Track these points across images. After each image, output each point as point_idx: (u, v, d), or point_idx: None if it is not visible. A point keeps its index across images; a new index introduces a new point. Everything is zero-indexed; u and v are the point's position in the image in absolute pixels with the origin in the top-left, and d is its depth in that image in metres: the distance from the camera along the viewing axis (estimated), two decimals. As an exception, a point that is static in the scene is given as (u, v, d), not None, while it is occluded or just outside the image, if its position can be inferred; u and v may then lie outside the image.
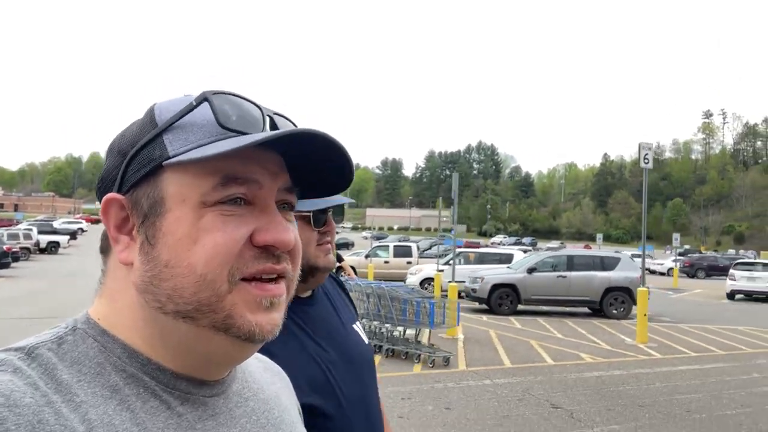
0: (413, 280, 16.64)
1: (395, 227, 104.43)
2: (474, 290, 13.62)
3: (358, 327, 1.27)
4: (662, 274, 34.03)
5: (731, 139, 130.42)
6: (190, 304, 0.49)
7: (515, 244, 63.01)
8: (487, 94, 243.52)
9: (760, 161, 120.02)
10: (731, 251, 62.42)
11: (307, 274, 1.10)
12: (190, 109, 0.51)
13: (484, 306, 13.49)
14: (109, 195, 0.52)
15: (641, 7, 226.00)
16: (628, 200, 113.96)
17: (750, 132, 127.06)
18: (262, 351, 0.60)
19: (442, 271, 13.95)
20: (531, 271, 13.52)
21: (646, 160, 10.09)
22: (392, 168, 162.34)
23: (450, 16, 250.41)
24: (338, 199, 1.15)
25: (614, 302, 13.25)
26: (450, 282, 10.82)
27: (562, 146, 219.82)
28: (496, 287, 13.32)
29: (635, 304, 13.33)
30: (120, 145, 0.54)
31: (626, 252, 35.79)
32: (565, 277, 13.39)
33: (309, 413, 0.93)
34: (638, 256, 38.02)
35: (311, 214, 1.11)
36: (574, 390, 6.60)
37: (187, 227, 0.49)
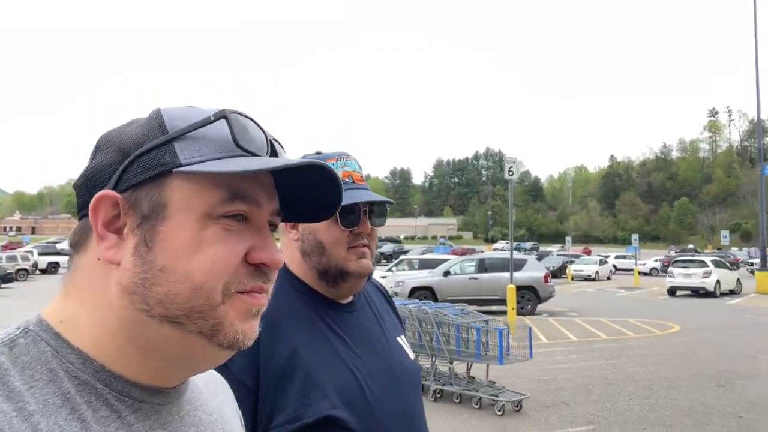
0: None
1: (402, 236, 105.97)
2: (396, 293, 15.07)
3: (402, 341, 1.19)
4: (645, 273, 35.06)
5: (738, 137, 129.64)
6: (181, 311, 0.50)
7: (516, 249, 63.88)
8: (493, 101, 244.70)
9: (767, 157, 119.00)
10: (734, 249, 62.47)
11: (337, 278, 1.05)
12: (207, 122, 0.53)
13: (406, 307, 14.93)
14: (104, 191, 0.51)
15: (647, 7, 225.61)
16: (635, 201, 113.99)
17: (756, 128, 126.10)
18: (288, 353, 0.72)
19: (384, 277, 15.44)
20: (446, 274, 14.95)
21: (511, 173, 11.47)
22: (401, 177, 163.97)
23: (456, 23, 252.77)
24: (370, 195, 1.07)
25: (521, 300, 14.58)
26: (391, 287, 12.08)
27: (572, 149, 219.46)
28: (415, 290, 14.76)
29: (540, 301, 14.82)
30: (120, 143, 0.53)
31: (590, 257, 36.56)
32: (476, 278, 14.78)
33: (336, 425, 0.92)
34: (624, 257, 38.73)
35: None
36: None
37: (188, 235, 0.50)
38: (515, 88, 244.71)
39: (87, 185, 0.54)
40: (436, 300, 14.58)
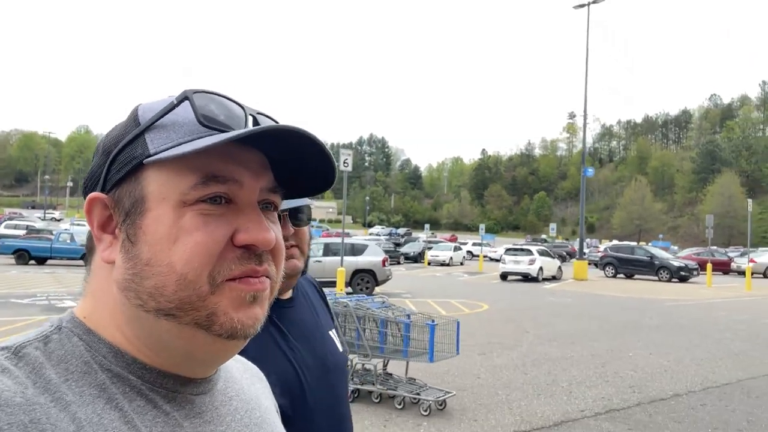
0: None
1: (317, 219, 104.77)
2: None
3: (334, 334, 1.26)
4: (496, 260, 38.51)
5: (590, 139, 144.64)
6: (172, 302, 0.49)
7: (389, 234, 66.39)
8: (377, 88, 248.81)
9: (612, 159, 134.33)
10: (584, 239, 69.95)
11: None
12: (171, 108, 0.52)
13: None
14: (92, 194, 0.52)
15: (520, 15, 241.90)
16: (501, 193, 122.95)
17: (606, 132, 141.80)
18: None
19: None
20: (292, 257, 15.82)
21: (346, 164, 12.51)
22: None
23: (340, 11, 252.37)
24: (289, 202, 1.09)
25: (360, 282, 15.88)
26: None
27: (450, 141, 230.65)
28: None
29: (378, 283, 16.22)
30: (105, 144, 0.54)
31: (446, 242, 39.17)
32: (321, 261, 15.80)
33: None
34: (479, 245, 41.94)
35: None
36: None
37: (167, 226, 0.49)
38: (399, 77, 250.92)
39: (85, 191, 0.55)
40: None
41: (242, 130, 0.50)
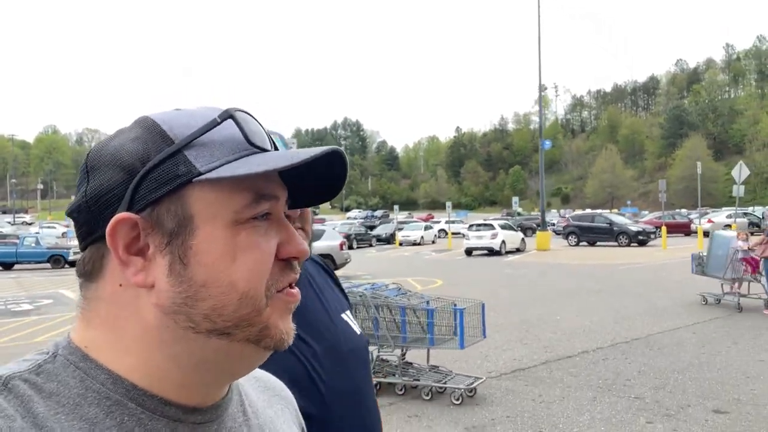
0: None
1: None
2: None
3: (348, 317, 1.20)
4: (463, 235, 38.85)
5: (562, 111, 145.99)
6: (231, 321, 0.49)
7: (365, 217, 66.76)
8: (349, 71, 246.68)
9: (584, 129, 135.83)
10: (554, 211, 71.19)
11: None
12: (214, 125, 0.51)
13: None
14: (122, 214, 0.48)
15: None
16: (477, 169, 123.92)
17: (577, 103, 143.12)
18: None
19: None
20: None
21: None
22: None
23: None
24: None
25: (319, 267, 16.29)
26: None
27: (425, 121, 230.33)
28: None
29: (337, 267, 16.60)
30: (119, 160, 0.50)
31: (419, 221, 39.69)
32: (279, 249, 16.16)
33: None
34: (454, 222, 42.34)
35: None
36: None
37: (222, 245, 0.49)
38: (374, 59, 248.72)
39: (90, 210, 0.51)
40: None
41: (312, 153, 0.49)
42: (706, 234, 25.98)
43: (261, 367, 0.60)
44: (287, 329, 0.53)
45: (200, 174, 0.49)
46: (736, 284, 9.61)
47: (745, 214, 31.98)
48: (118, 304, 0.51)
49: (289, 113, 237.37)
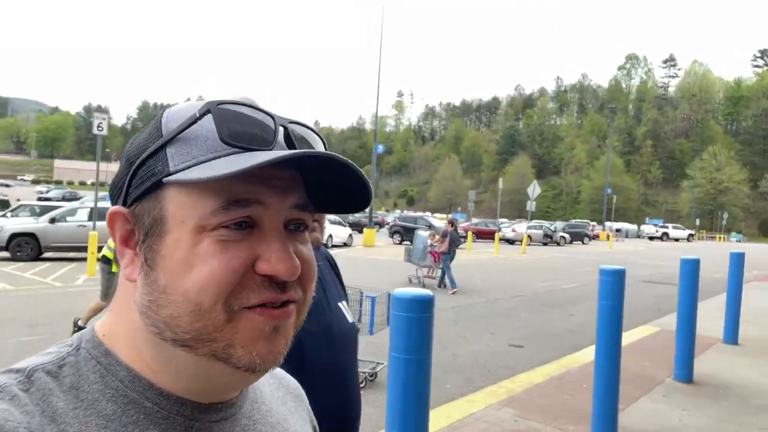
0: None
1: (89, 182, 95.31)
2: (-7, 239, 14.75)
3: (343, 306, 1.29)
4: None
5: (416, 118, 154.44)
6: (188, 333, 0.46)
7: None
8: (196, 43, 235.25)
9: (434, 138, 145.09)
10: (400, 212, 75.01)
11: None
12: (194, 120, 0.48)
13: (6, 254, 14.76)
14: (114, 208, 0.50)
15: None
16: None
17: (430, 113, 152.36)
18: None
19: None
20: (53, 220, 15.27)
21: (100, 128, 12.50)
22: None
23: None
24: None
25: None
26: None
27: (287, 112, 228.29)
28: (15, 236, 14.68)
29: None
30: (128, 152, 0.51)
31: None
32: (85, 226, 15.52)
33: None
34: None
35: None
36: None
37: (183, 252, 0.46)
38: (244, 54, 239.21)
39: (111, 200, 0.52)
40: (40, 248, 14.85)
41: (265, 157, 0.44)
42: (502, 240, 30.57)
43: None
44: (260, 352, 0.48)
45: (169, 174, 0.47)
46: (429, 270, 13.01)
47: (541, 226, 37.13)
48: (124, 293, 0.51)
49: (135, 85, 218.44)
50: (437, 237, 13.20)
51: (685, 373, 5.40)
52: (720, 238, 60.54)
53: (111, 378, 0.49)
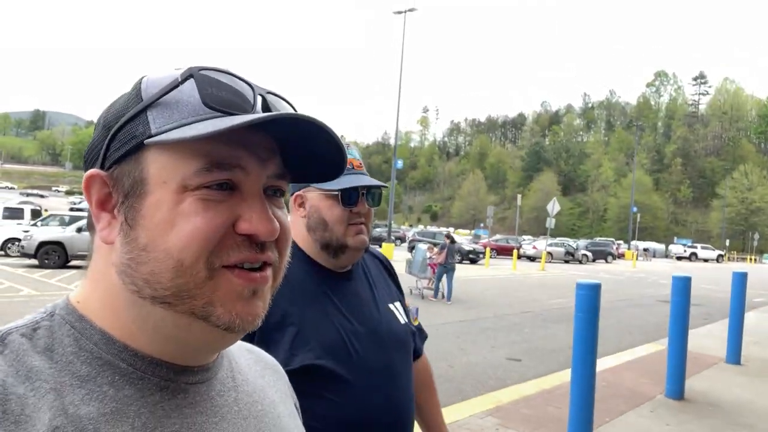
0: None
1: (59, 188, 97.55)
2: (23, 246, 15.39)
3: (395, 307, 1.30)
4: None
5: (441, 134, 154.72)
6: (168, 290, 0.47)
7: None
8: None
9: (459, 153, 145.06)
10: (423, 227, 75.07)
11: (337, 251, 1.18)
12: (175, 85, 0.49)
13: (34, 261, 15.37)
14: (91, 171, 0.50)
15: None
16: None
17: (455, 128, 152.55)
18: (283, 312, 0.74)
19: (27, 231, 15.37)
20: (79, 230, 15.85)
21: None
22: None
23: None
24: (368, 179, 1.19)
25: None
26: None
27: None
28: (43, 244, 15.28)
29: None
30: (106, 117, 0.52)
31: None
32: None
33: (319, 373, 1.05)
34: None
35: (339, 193, 1.16)
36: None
37: (165, 211, 0.47)
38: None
39: (86, 163, 0.53)
40: (67, 256, 15.42)
41: (248, 118, 0.46)
42: (523, 256, 30.57)
43: (307, 331, 0.66)
44: (240, 313, 0.49)
45: (151, 136, 0.48)
46: (428, 281, 13.44)
47: (563, 243, 36.79)
48: (99, 257, 0.52)
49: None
50: (435, 249, 14.08)
51: (676, 389, 5.42)
52: (752, 259, 58.86)
53: (85, 341, 0.49)
